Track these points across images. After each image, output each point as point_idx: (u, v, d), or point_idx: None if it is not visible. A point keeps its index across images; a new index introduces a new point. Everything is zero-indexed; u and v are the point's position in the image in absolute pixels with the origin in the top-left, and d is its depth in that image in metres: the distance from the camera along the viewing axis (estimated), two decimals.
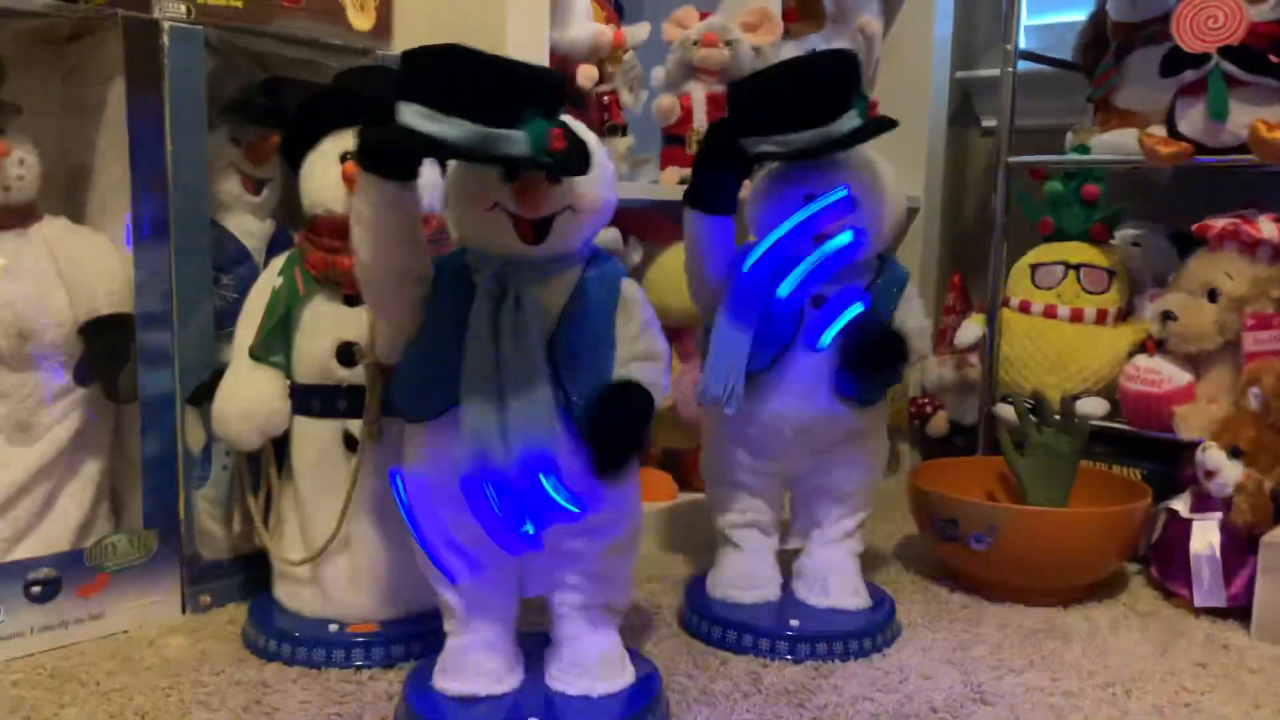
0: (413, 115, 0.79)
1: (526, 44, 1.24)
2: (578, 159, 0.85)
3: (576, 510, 0.87)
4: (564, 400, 0.89)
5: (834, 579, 1.21)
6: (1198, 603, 1.28)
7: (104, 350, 1.15)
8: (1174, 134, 1.43)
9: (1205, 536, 1.29)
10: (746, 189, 1.18)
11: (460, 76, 0.80)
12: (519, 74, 0.82)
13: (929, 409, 1.82)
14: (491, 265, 0.88)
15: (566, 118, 0.89)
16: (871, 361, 1.13)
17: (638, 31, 1.51)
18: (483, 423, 0.85)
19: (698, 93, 1.52)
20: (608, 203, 0.92)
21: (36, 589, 1.10)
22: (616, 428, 0.88)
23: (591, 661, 0.97)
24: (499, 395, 0.86)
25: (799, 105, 1.04)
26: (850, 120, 1.05)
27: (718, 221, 1.12)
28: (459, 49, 0.79)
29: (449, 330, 0.89)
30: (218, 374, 1.15)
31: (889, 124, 1.10)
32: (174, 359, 1.17)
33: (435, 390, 0.89)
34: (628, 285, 0.94)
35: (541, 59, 1.26)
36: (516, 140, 0.81)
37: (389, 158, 0.83)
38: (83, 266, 1.14)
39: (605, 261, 0.94)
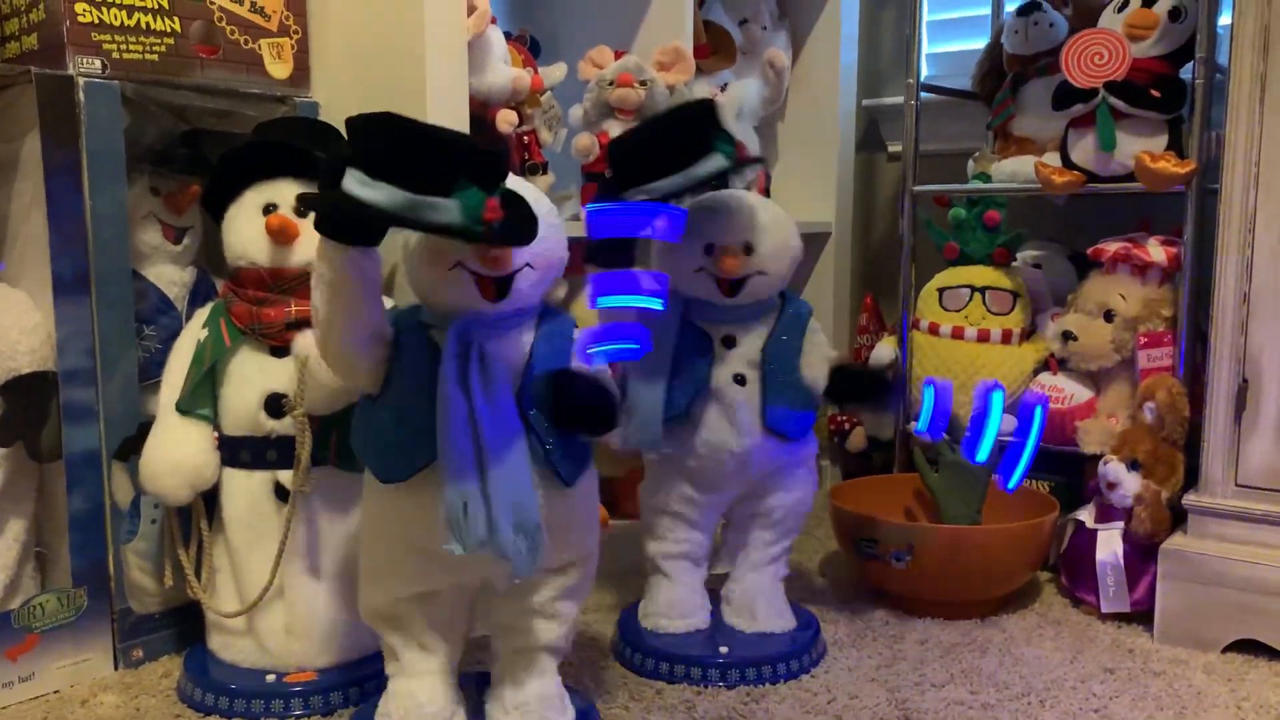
0: (352, 181, 0.81)
1: (446, 91, 1.25)
2: (517, 229, 0.86)
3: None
4: (539, 447, 0.92)
5: (761, 603, 1.25)
6: (1104, 609, 1.35)
7: (25, 409, 1.14)
8: (1067, 163, 1.50)
9: (1109, 545, 1.36)
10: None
11: (393, 143, 0.82)
12: (453, 144, 0.84)
13: (847, 425, 1.88)
14: (451, 323, 0.90)
15: (519, 185, 0.92)
16: (863, 398, 1.27)
17: (554, 72, 1.53)
18: (464, 481, 0.87)
19: (615, 130, 1.54)
20: (562, 259, 0.96)
21: None
22: (570, 390, 0.91)
23: (533, 703, 0.99)
24: (477, 452, 0.88)
25: (663, 153, 1.09)
26: (714, 161, 1.10)
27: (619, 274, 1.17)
28: (396, 118, 0.81)
29: (416, 392, 0.91)
30: (144, 428, 1.15)
31: (753, 162, 1.18)
32: (99, 414, 1.16)
33: (409, 452, 0.91)
34: (580, 335, 0.98)
35: (461, 105, 1.28)
36: (447, 209, 0.82)
37: (338, 223, 0.85)
38: (1, 324, 1.13)
39: (557, 315, 0.98)
